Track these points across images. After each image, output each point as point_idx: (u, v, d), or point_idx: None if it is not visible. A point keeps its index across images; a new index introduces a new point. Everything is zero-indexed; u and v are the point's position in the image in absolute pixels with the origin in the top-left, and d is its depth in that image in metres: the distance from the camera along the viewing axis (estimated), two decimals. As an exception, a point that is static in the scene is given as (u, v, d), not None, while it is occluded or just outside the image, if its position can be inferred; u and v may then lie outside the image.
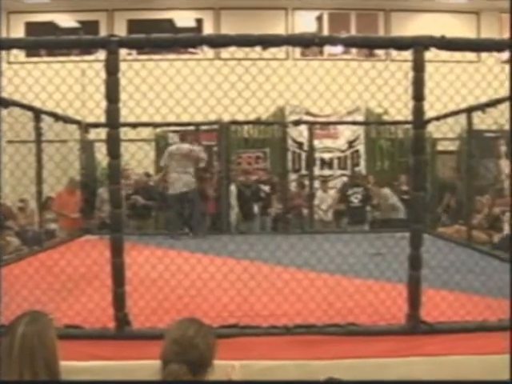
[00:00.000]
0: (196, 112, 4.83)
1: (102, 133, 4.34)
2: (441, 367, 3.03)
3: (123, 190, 4.18)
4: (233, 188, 9.17)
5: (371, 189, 9.28)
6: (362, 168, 11.02)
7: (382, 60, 10.60)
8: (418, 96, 3.40)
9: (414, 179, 3.53)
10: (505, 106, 5.38)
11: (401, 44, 3.47)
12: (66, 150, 7.24)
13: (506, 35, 10.44)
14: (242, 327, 3.44)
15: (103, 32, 11.28)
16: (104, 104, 3.43)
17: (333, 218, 9.70)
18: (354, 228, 8.86)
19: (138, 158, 7.27)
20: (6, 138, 5.92)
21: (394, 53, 3.89)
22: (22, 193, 6.76)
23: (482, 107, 5.97)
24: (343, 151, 11.17)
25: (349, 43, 3.90)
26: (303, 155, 10.77)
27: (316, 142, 9.77)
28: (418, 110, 3.43)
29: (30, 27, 11.89)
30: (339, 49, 11.46)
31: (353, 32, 11.71)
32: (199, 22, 12.23)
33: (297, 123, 9.39)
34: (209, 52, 10.70)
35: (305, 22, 12.23)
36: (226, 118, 7.71)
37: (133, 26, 11.73)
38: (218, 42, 3.57)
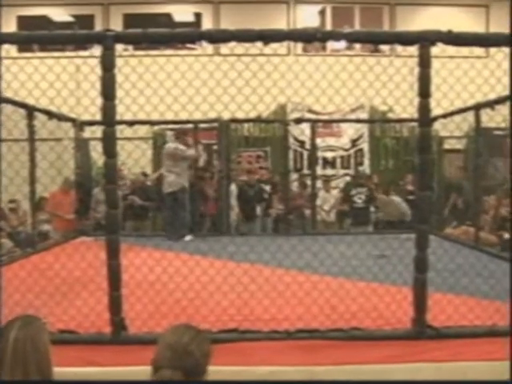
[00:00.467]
0: (195, 109, 4.83)
1: (98, 131, 4.34)
2: (448, 374, 3.03)
3: (119, 190, 4.18)
4: (233, 188, 9.17)
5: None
6: (365, 167, 11.02)
7: (386, 55, 10.59)
8: (424, 93, 3.40)
9: (419, 179, 3.53)
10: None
11: (406, 39, 3.47)
12: (60, 148, 7.24)
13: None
14: (242, 332, 3.44)
15: (98, 26, 11.28)
16: (99, 101, 3.43)
17: (335, 218, 9.70)
18: (357, 229, 8.86)
19: (135, 157, 7.27)
20: (-2, 136, 5.92)
21: (399, 48, 3.89)
22: (14, 193, 6.75)
23: (491, 104, 5.96)
24: (346, 150, 11.17)
25: (352, 38, 3.89)
26: (305, 154, 10.77)
27: (318, 141, 9.76)
28: (424, 108, 3.43)
29: (23, 21, 11.88)
30: (342, 44, 11.43)
31: (356, 27, 11.70)
32: (198, 16, 12.24)
33: (298, 121, 9.38)
34: (208, 47, 10.70)
35: (307, 17, 12.23)
36: (226, 115, 7.70)
37: (129, 20, 11.73)
38: (218, 37, 3.56)
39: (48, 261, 4.91)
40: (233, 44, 3.45)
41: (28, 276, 4.47)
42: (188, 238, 7.73)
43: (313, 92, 4.54)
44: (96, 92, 3.49)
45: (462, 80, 4.20)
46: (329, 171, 10.98)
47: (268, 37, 3.41)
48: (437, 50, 3.41)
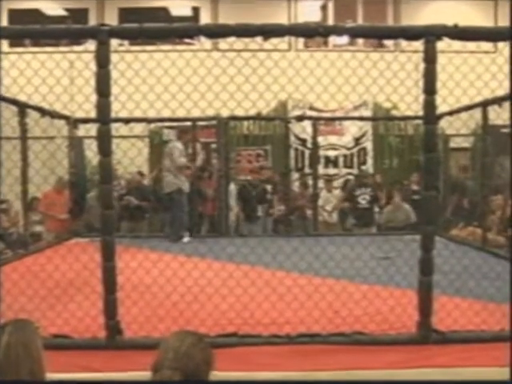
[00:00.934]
0: (192, 107, 4.83)
1: (92, 129, 4.34)
2: (454, 380, 3.03)
3: (114, 190, 4.18)
4: (232, 187, 9.17)
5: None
6: (369, 166, 11.02)
7: (390, 51, 10.57)
8: (430, 89, 3.40)
9: (425, 178, 3.53)
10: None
11: (411, 33, 3.47)
12: (53, 147, 7.23)
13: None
14: (241, 336, 3.45)
15: (93, 21, 11.28)
16: (94, 98, 3.43)
17: (338, 219, 9.70)
18: (360, 230, 8.86)
19: (131, 156, 7.26)
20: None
21: (403, 43, 3.89)
22: (5, 193, 6.75)
23: (499, 101, 5.96)
24: (349, 149, 11.17)
25: (355, 33, 3.90)
26: (307, 153, 10.76)
27: (320, 139, 9.76)
28: (430, 105, 3.43)
29: (14, 15, 11.87)
30: (345, 39, 11.44)
31: (360, 21, 11.70)
32: (196, 10, 12.23)
33: (300, 119, 9.39)
34: (206, 43, 10.70)
35: (308, 11, 12.23)
36: (225, 113, 7.70)
37: (124, 14, 11.73)
38: (216, 31, 3.57)
39: (41, 263, 4.91)
40: (232, 39, 3.46)
41: (20, 278, 4.46)
42: (186, 239, 7.75)
43: (314, 89, 4.55)
44: (90, 88, 3.49)
45: (469, 76, 4.20)
46: (331, 170, 10.97)
47: (268, 32, 3.41)
48: (443, 44, 3.41)
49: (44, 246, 7.48)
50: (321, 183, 9.69)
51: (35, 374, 2.03)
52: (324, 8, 12.40)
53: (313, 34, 3.65)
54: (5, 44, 9.88)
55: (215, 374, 2.04)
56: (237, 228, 9.22)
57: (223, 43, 8.92)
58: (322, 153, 10.45)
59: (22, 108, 6.52)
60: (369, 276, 4.75)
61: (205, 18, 11.82)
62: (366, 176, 9.92)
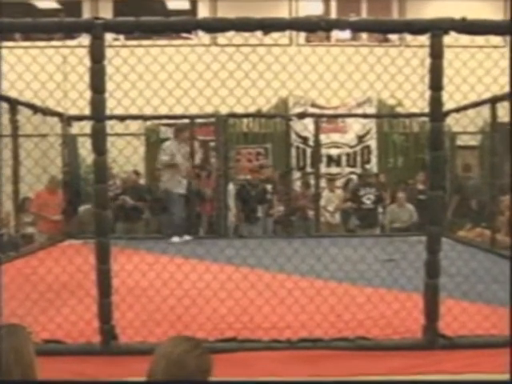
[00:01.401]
0: (190, 104, 4.83)
1: (87, 126, 4.33)
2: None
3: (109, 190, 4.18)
4: (231, 187, 9.17)
5: (400, 201, 9.21)
6: (373, 165, 11.02)
7: (395, 46, 10.58)
8: (436, 85, 3.40)
9: (431, 177, 3.53)
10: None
11: (417, 27, 3.46)
12: (45, 145, 7.22)
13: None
14: (241, 341, 3.45)
15: (87, 14, 11.27)
16: (88, 94, 3.43)
17: (341, 220, 9.70)
18: (364, 231, 8.87)
19: (127, 155, 7.26)
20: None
21: (409, 37, 3.88)
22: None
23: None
24: (352, 147, 11.17)
25: (359, 27, 3.90)
26: (308, 151, 10.76)
27: (322, 137, 9.76)
28: (436, 101, 3.43)
29: (4, 8, 11.83)
30: (348, 34, 11.44)
31: (363, 15, 11.70)
32: (193, 3, 12.23)
33: (301, 116, 9.39)
34: (204, 37, 10.69)
35: (310, 5, 12.22)
36: (224, 110, 7.71)
37: (120, 7, 11.72)
38: (215, 25, 3.56)
39: (33, 265, 4.90)
40: (231, 33, 3.45)
41: (11, 282, 4.46)
42: (175, 239, 7.83)
43: (316, 85, 4.55)
44: (84, 85, 3.49)
45: (477, 71, 4.20)
46: (333, 169, 10.97)
47: (269, 26, 3.41)
48: (450, 39, 3.41)
49: (36, 247, 7.48)
50: (323, 183, 9.68)
51: (27, 381, 2.03)
52: (326, 1, 12.39)
53: (315, 28, 3.65)
54: (-5, 38, 9.88)
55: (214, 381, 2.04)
56: (236, 229, 9.22)
57: (222, 38, 8.91)
58: (324, 151, 10.44)
59: (13, 105, 6.51)
60: (372, 279, 4.75)
61: (203, 12, 11.81)
62: (369, 175, 9.92)
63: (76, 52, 4.27)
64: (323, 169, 10.24)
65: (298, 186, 10.07)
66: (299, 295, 4.14)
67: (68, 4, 11.99)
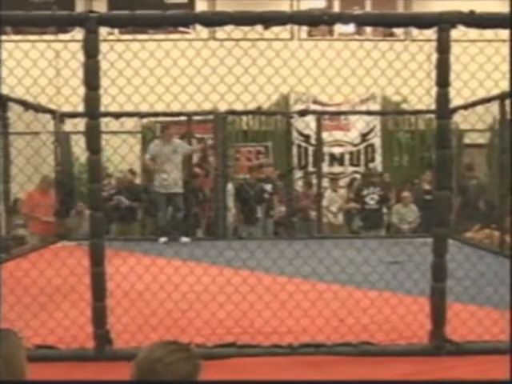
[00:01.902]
0: (188, 100, 4.83)
1: (80, 124, 4.33)
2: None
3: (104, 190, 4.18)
4: (230, 187, 9.17)
5: (406, 200, 9.24)
6: (377, 164, 11.02)
7: (401, 40, 10.58)
8: (443, 81, 3.40)
9: (437, 177, 3.53)
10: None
11: (423, 21, 3.47)
12: (37, 143, 7.22)
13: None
14: (240, 346, 3.44)
15: (80, 7, 11.27)
16: (82, 91, 3.43)
17: (344, 221, 9.70)
18: (368, 233, 8.87)
19: (122, 153, 7.26)
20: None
21: (414, 31, 3.87)
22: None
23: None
24: (356, 145, 11.17)
25: (363, 21, 3.90)
26: (310, 150, 10.76)
27: (325, 135, 9.77)
28: (443, 98, 3.43)
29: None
30: (352, 27, 11.44)
31: (367, 8, 11.70)
32: (191, -4, 12.23)
33: (303, 113, 9.38)
34: (202, 31, 10.69)
35: (312, -2, 12.22)
36: (223, 107, 7.70)
37: (114, 0, 11.72)
38: (214, 19, 3.56)
39: (24, 268, 4.89)
40: (230, 28, 3.45)
41: (1, 285, 4.46)
42: (162, 239, 7.96)
43: (319, 81, 4.54)
44: (78, 80, 3.49)
45: (486, 66, 4.19)
46: (336, 169, 10.98)
47: (269, 19, 3.41)
48: (457, 32, 3.40)
49: (28, 249, 7.47)
50: (325, 182, 9.69)
51: (18, 387, 2.03)
52: (329, -6, 12.38)
53: (317, 21, 3.65)
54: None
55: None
56: (235, 230, 9.22)
57: (221, 32, 8.90)
58: (326, 150, 10.46)
59: (4, 101, 6.51)
60: (377, 282, 4.74)
61: (201, 5, 11.80)
62: (373, 174, 9.92)
63: (69, 46, 4.25)
64: (325, 168, 10.25)
65: (299, 185, 10.08)
66: (301, 299, 4.14)
67: (61, -3, 11.98)
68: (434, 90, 3.43)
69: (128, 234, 8.88)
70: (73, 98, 4.51)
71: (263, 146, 11.05)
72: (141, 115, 8.30)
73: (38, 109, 7.21)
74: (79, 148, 7.25)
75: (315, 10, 3.96)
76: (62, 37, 9.19)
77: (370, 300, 4.13)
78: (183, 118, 8.56)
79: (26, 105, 6.79)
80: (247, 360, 3.33)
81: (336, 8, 11.99)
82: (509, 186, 6.95)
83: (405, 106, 10.18)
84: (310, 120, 9.73)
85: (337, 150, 11.06)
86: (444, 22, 3.34)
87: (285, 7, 11.20)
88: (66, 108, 7.38)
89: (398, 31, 11.30)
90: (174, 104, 4.96)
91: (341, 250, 5.03)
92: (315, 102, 10.63)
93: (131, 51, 4.15)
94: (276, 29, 3.49)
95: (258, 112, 9.88)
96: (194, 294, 4.23)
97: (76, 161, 9.15)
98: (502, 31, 3.57)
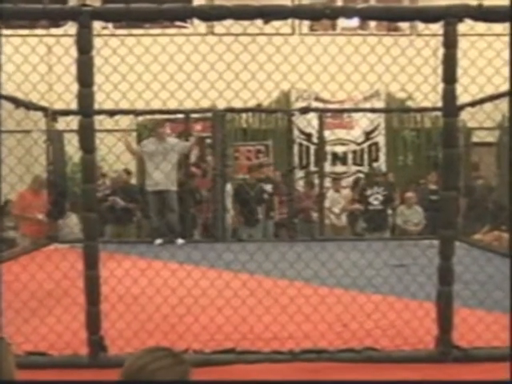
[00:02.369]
0: (185, 97, 4.83)
1: (73, 122, 4.33)
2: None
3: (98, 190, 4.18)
4: (229, 188, 9.17)
5: (409, 201, 9.27)
6: (381, 164, 11.03)
7: (406, 35, 10.59)
8: (450, 77, 3.40)
9: (444, 177, 3.53)
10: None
11: (429, 15, 3.47)
12: (29, 142, 7.22)
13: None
14: (239, 352, 3.44)
15: (73, 1, 11.28)
16: (75, 87, 3.43)
17: (347, 222, 9.71)
18: (372, 235, 8.87)
19: (117, 152, 7.26)
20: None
21: (420, 26, 3.87)
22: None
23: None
24: (359, 144, 11.18)
25: (366, 15, 3.89)
26: (312, 149, 10.77)
27: (327, 133, 9.78)
28: (450, 95, 3.43)
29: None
30: (355, 22, 11.45)
31: (371, 2, 11.71)
32: (188, -11, 12.24)
33: (304, 111, 9.39)
34: (200, 26, 10.70)
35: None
36: (221, 104, 7.71)
37: (109, -6, 11.74)
38: (212, 13, 3.56)
39: (14, 271, 4.89)
40: (229, 22, 3.45)
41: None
42: (158, 241, 7.98)
43: (321, 77, 4.54)
44: (71, 77, 3.49)
45: (495, 62, 4.19)
46: (339, 168, 10.99)
47: (269, 13, 3.41)
48: (465, 26, 3.40)
49: (19, 252, 7.46)
50: (328, 182, 9.69)
51: (7, 396, 2.02)
52: (331, -12, 12.39)
53: (319, 15, 3.64)
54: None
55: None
56: (234, 232, 9.22)
57: (219, 27, 8.91)
58: (328, 148, 10.46)
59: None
60: (381, 285, 4.75)
61: (198, -1, 11.81)
62: (377, 174, 9.93)
63: (62, 41, 4.27)
64: (328, 167, 10.26)
65: (300, 185, 10.08)
66: (302, 303, 4.14)
67: (53, -10, 11.98)
68: (441, 87, 3.43)
69: (124, 236, 8.88)
70: (65, 95, 4.52)
71: (263, 144, 11.06)
72: (136, 113, 8.31)
73: (30, 106, 7.21)
74: (72, 147, 7.23)
75: (317, 4, 3.97)
76: (54, 31, 9.22)
77: (374, 304, 4.13)
78: (180, 115, 8.56)
79: (16, 102, 6.79)
80: (247, 367, 3.33)
81: (339, 1, 12.00)
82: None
83: (410, 104, 10.19)
84: (312, 118, 9.74)
85: (339, 149, 11.07)
86: (451, 16, 3.34)
87: (286, 1, 11.22)
88: (59, 105, 7.40)
89: (403, 25, 11.32)
90: (170, 101, 4.96)
91: (344, 253, 5.03)
92: (317, 99, 10.63)
93: (126, 46, 4.15)
94: (276, 23, 3.49)
95: (257, 110, 9.90)
96: (191, 298, 4.23)
97: (69, 160, 9.16)
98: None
